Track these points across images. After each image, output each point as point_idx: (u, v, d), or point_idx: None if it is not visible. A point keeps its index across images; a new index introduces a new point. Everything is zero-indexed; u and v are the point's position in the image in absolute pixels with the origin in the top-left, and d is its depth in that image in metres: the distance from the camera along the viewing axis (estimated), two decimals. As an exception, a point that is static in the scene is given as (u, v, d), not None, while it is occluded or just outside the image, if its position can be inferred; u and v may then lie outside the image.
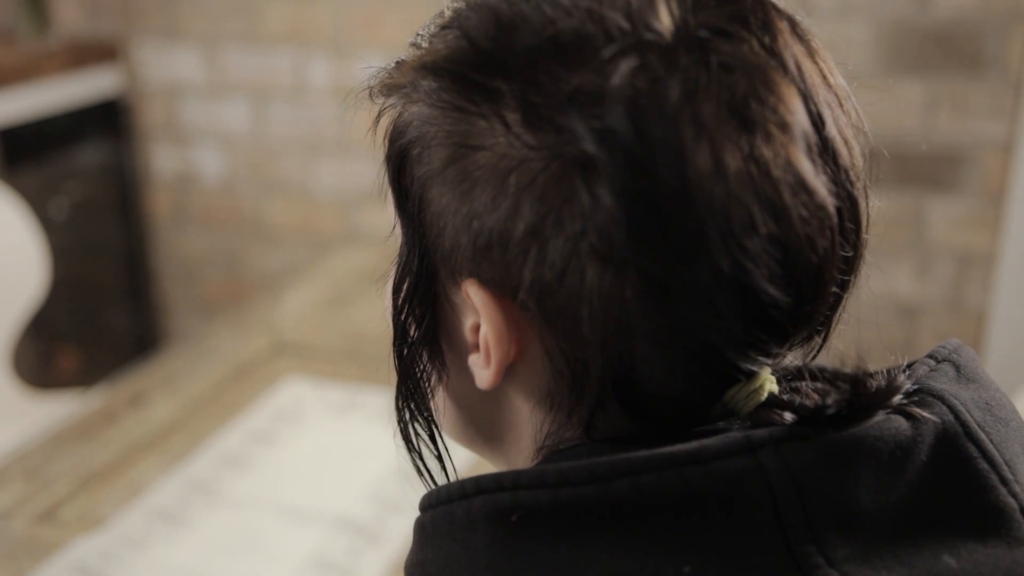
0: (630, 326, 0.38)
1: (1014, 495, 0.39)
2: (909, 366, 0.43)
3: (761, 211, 0.37)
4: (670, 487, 0.37)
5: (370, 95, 0.46)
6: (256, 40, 2.32)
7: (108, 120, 2.44)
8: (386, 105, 0.46)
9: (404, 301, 0.46)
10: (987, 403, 0.42)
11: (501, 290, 0.41)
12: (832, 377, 0.44)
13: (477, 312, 0.42)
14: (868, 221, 0.42)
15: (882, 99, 1.79)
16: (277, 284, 2.06)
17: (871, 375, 0.41)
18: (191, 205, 2.52)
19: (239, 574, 1.00)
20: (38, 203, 2.15)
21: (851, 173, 0.40)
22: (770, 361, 0.41)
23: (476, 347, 0.44)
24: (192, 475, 1.15)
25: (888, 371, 0.42)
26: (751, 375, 0.41)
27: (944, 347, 0.45)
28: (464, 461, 0.57)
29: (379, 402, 1.31)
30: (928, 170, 1.94)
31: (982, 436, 0.40)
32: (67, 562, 1.00)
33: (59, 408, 1.67)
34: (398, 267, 0.46)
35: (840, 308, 0.43)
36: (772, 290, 0.38)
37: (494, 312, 0.41)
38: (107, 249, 2.55)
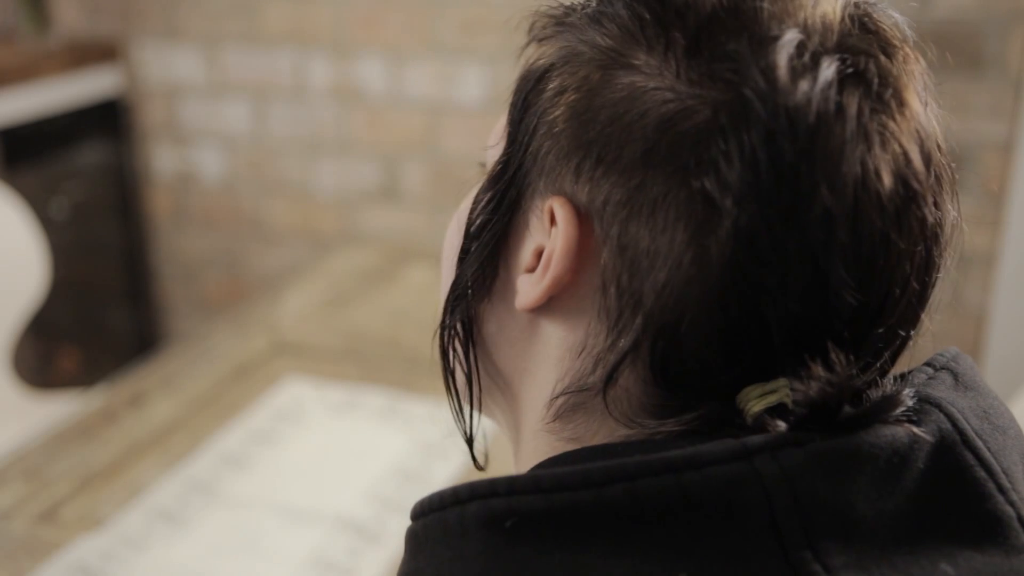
0: (697, 274, 0.39)
1: (1011, 503, 0.39)
2: (903, 376, 0.43)
3: (870, 206, 0.39)
4: (665, 492, 0.37)
5: (530, 28, 0.48)
6: (256, 40, 2.32)
7: (108, 120, 2.44)
8: (545, 34, 0.47)
9: (487, 204, 0.47)
10: (985, 411, 0.42)
11: (588, 211, 0.42)
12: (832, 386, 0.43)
13: (547, 234, 0.44)
14: (944, 261, 0.44)
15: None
16: (277, 284, 2.06)
17: (871, 385, 0.41)
18: (191, 205, 2.52)
19: (239, 574, 1.00)
20: (38, 203, 2.15)
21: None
22: (803, 372, 0.40)
23: (530, 270, 0.45)
24: (192, 475, 1.15)
25: (888, 381, 0.42)
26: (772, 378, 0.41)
27: (942, 355, 0.45)
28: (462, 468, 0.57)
29: (379, 402, 1.31)
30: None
31: (979, 444, 0.40)
32: (67, 562, 1.00)
33: (59, 408, 1.67)
34: (492, 175, 0.47)
35: (895, 353, 0.43)
36: (842, 286, 0.39)
37: (572, 228, 0.42)
38: (107, 249, 2.55)
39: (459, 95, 2.20)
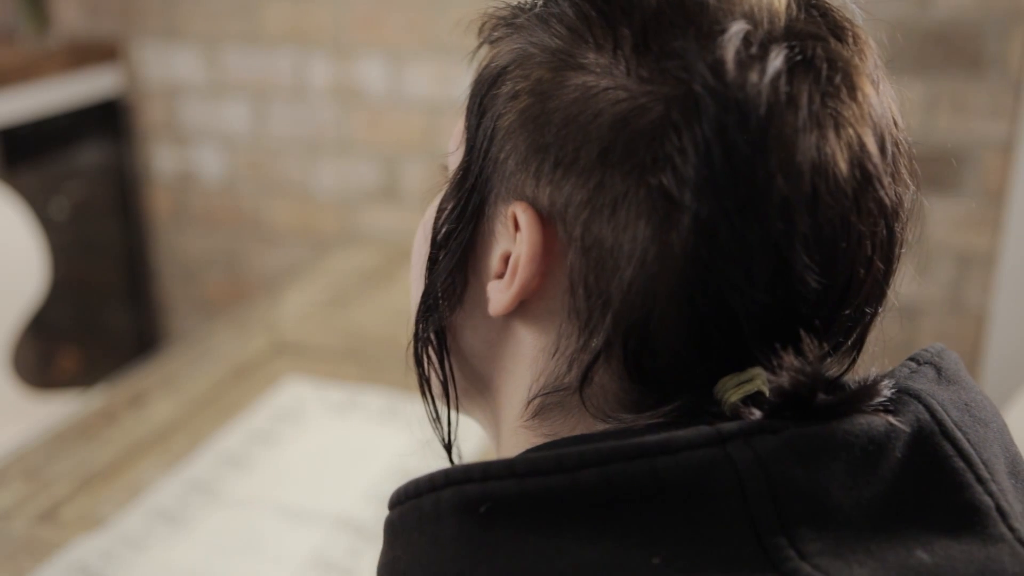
0: (661, 270, 0.39)
1: (990, 493, 0.39)
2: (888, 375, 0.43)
3: (827, 192, 0.39)
4: (639, 477, 0.37)
5: (481, 29, 0.48)
6: (256, 40, 2.32)
7: (108, 120, 2.44)
8: (496, 36, 0.47)
9: (451, 212, 0.47)
10: (966, 404, 0.42)
11: (550, 214, 0.42)
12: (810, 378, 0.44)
13: (512, 240, 0.44)
14: (903, 243, 0.44)
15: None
16: (277, 284, 2.06)
17: (847, 372, 0.41)
18: (191, 205, 2.52)
19: (239, 574, 1.00)
20: (38, 203, 2.16)
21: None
22: (774, 361, 0.41)
23: (499, 276, 0.45)
24: (192, 475, 1.15)
25: (869, 374, 0.42)
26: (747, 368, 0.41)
27: (927, 350, 0.45)
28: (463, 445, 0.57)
29: (379, 402, 1.31)
30: (928, 170, 1.94)
31: (958, 435, 0.40)
32: (67, 562, 1.00)
33: (59, 408, 1.67)
34: (453, 182, 0.47)
35: (862, 333, 0.43)
36: (806, 273, 0.39)
37: (535, 234, 0.42)
38: (107, 249, 2.55)
39: (459, 95, 2.20)
